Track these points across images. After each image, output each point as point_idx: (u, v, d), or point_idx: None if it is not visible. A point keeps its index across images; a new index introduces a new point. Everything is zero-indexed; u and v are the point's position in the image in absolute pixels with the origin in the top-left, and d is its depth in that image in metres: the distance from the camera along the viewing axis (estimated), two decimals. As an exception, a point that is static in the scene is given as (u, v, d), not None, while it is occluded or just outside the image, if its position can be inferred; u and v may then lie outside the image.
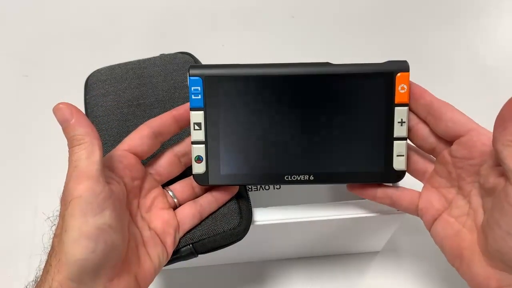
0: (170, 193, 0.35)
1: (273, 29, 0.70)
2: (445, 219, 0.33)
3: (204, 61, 0.44)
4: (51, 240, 0.29)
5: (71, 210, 0.27)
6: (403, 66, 0.32)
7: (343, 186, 0.43)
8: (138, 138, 0.33)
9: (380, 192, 0.35)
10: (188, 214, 0.34)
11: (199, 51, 0.45)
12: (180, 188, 0.35)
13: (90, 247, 0.26)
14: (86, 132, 0.28)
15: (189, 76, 0.33)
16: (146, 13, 0.72)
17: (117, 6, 0.73)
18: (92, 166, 0.28)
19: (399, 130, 0.33)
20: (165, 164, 0.35)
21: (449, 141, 0.32)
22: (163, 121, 0.33)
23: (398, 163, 0.34)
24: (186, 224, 0.34)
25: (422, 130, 0.33)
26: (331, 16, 0.71)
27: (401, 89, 0.32)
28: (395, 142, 0.33)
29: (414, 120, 0.33)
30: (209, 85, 0.33)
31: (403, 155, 0.33)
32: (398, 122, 0.33)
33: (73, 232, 0.26)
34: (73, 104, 0.29)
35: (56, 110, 0.28)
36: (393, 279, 0.46)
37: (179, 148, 0.35)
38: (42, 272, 0.28)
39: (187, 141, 0.35)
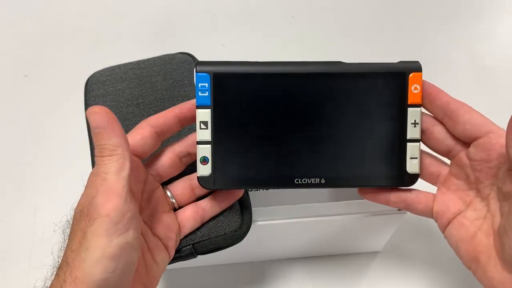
0: (169, 193, 0.34)
1: (273, 29, 0.70)
2: (460, 222, 0.32)
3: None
4: (62, 252, 0.28)
5: (95, 228, 0.25)
6: (416, 66, 0.32)
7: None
8: (140, 138, 0.31)
9: (394, 196, 0.34)
10: (190, 218, 0.33)
11: (199, 51, 0.45)
12: (180, 190, 0.34)
13: (112, 267, 0.25)
14: (119, 143, 0.27)
15: (196, 72, 0.31)
16: (146, 13, 0.72)
17: (117, 6, 0.73)
18: (121, 182, 0.26)
19: (412, 132, 0.32)
20: (167, 165, 0.33)
21: (466, 142, 0.31)
22: (165, 119, 0.32)
23: (412, 166, 0.33)
24: (187, 228, 0.33)
25: (438, 132, 0.32)
26: (331, 16, 0.71)
27: (414, 89, 0.32)
28: (409, 144, 0.32)
29: (430, 121, 0.33)
30: (218, 82, 0.31)
31: (416, 158, 0.32)
32: (412, 124, 0.32)
33: (95, 252, 0.25)
34: (106, 108, 0.27)
35: (90, 113, 0.27)
36: (394, 279, 0.46)
37: (180, 148, 0.33)
38: (53, 284, 0.27)
39: (188, 140, 0.33)
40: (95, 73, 0.42)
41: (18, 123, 0.59)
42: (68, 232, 0.28)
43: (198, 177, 0.32)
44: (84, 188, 0.28)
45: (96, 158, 0.27)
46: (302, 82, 0.32)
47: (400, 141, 0.32)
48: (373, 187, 0.34)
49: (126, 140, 0.27)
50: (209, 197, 0.34)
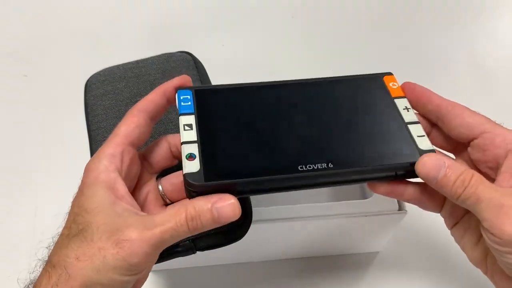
0: (160, 188, 0.32)
1: (273, 29, 0.70)
2: (467, 223, 0.31)
3: (204, 61, 0.44)
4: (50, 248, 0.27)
5: (117, 263, 0.25)
6: (386, 72, 0.35)
7: (342, 186, 0.43)
8: (135, 127, 0.30)
9: (409, 191, 0.31)
10: None
11: (199, 51, 0.45)
12: (170, 187, 0.32)
13: None
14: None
15: (178, 90, 0.31)
16: (146, 13, 0.72)
17: (117, 6, 0.73)
18: (168, 244, 0.26)
19: (408, 116, 0.32)
20: (159, 157, 0.32)
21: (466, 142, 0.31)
22: (155, 102, 0.31)
23: (423, 143, 0.30)
24: None
25: (437, 136, 0.33)
26: (331, 16, 0.71)
27: (392, 86, 0.33)
28: (409, 126, 0.31)
29: (428, 126, 0.33)
30: (200, 94, 0.31)
31: (424, 135, 0.31)
32: (404, 109, 0.32)
33: (105, 277, 0.25)
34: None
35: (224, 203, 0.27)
36: (394, 279, 0.46)
37: (174, 139, 0.32)
38: (42, 282, 0.26)
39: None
40: (94, 73, 0.42)
41: (18, 123, 0.59)
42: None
43: (184, 174, 0.27)
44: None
45: (178, 215, 0.26)
46: (287, 92, 0.32)
47: (400, 126, 0.31)
48: (387, 177, 0.31)
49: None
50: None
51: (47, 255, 0.27)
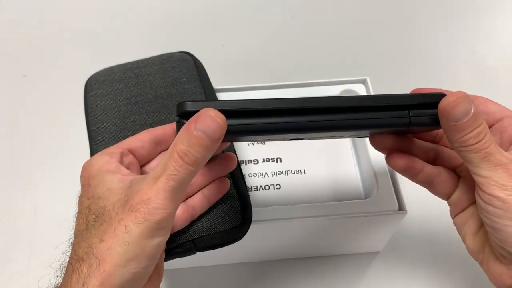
0: None
1: (273, 29, 0.70)
2: (472, 212, 0.31)
3: (204, 61, 0.44)
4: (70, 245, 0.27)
5: (142, 228, 0.25)
6: None
7: (342, 186, 0.42)
8: (139, 140, 0.32)
9: (427, 169, 0.32)
10: (179, 217, 0.33)
11: (199, 51, 0.45)
12: None
13: (146, 264, 0.25)
14: (206, 158, 0.25)
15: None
16: (146, 13, 0.72)
17: (117, 6, 0.73)
18: (182, 193, 0.26)
19: None
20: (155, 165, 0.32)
21: None
22: (165, 130, 0.32)
23: None
24: (177, 226, 0.33)
25: None
26: (331, 16, 0.71)
27: None
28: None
29: None
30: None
31: None
32: None
33: (136, 248, 0.25)
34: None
35: (206, 115, 0.24)
36: (394, 279, 0.46)
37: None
38: (72, 279, 0.25)
39: None
40: (94, 73, 0.42)
41: (18, 123, 0.59)
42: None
43: (178, 103, 0.26)
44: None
45: (172, 158, 0.25)
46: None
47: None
48: (400, 123, 0.28)
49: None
50: (197, 194, 0.34)
51: (67, 257, 0.27)
